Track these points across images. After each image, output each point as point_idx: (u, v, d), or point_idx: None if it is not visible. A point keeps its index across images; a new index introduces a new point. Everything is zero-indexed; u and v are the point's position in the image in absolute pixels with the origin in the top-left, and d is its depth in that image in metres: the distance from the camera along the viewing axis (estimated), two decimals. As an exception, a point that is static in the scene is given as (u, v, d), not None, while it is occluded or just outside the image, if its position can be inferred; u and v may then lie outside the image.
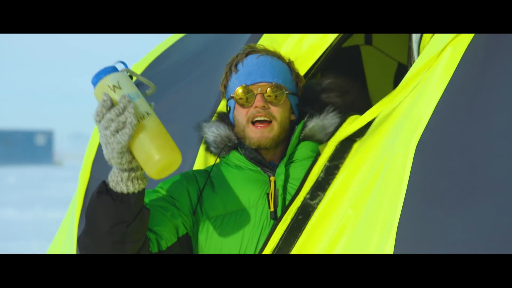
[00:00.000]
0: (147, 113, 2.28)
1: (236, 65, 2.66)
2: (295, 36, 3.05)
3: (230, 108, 2.69)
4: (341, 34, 2.94)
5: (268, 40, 3.08)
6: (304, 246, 2.33)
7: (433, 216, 1.93)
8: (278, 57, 2.68)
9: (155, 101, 2.39)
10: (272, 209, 2.53)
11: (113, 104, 2.25)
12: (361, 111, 2.68)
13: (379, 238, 2.01)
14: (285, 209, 2.46)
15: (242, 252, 2.50)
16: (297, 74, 2.71)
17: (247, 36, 3.21)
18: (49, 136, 46.89)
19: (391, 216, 1.99)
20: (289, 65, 2.70)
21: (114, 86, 2.27)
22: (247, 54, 2.67)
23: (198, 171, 2.68)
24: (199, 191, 2.59)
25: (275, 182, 2.57)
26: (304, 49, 3.01)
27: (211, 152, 2.75)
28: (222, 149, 2.68)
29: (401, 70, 4.42)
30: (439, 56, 2.14)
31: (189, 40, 3.85)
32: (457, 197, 1.92)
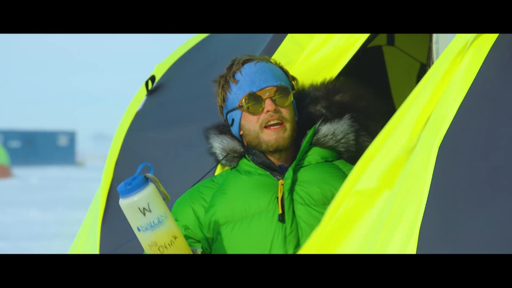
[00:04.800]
0: (175, 237, 2.35)
1: (234, 76, 2.66)
2: (318, 38, 3.05)
3: (234, 120, 2.69)
4: (367, 37, 2.93)
5: (291, 43, 3.08)
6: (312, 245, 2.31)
7: (456, 217, 1.93)
8: (271, 61, 2.71)
9: (183, 102, 2.39)
10: (280, 211, 2.54)
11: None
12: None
13: (401, 239, 2.00)
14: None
15: None
16: (292, 76, 2.74)
17: (269, 36, 3.20)
18: (71, 136, 47.14)
19: (414, 217, 1.98)
20: (282, 68, 2.72)
21: (144, 209, 2.33)
22: (243, 63, 2.67)
23: (203, 183, 2.71)
24: (205, 204, 2.63)
25: (283, 185, 2.58)
26: (328, 51, 3.01)
27: (221, 164, 2.76)
28: (230, 160, 2.71)
29: (424, 71, 4.40)
30: (462, 57, 2.12)
31: (213, 41, 3.85)
32: (480, 198, 1.91)
